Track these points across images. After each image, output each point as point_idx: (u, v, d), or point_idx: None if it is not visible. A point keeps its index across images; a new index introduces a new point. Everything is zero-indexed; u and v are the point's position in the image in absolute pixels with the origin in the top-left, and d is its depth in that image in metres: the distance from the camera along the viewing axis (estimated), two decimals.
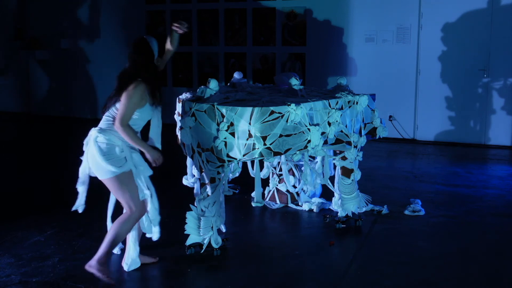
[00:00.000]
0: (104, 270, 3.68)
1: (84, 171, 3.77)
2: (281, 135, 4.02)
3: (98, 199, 4.30)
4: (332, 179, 5.15)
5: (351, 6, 8.94)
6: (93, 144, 3.64)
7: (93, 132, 3.69)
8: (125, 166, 3.66)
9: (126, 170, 3.67)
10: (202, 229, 4.19)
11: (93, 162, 3.66)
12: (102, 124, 3.73)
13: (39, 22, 11.20)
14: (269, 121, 3.97)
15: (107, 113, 3.75)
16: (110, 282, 3.69)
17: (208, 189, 4.18)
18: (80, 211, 3.89)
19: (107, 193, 3.97)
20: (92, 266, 3.69)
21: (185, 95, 4.63)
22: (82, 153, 3.75)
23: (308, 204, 5.36)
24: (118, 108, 3.67)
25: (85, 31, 10.82)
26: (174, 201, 5.07)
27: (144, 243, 4.15)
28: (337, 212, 4.98)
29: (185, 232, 4.22)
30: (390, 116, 8.83)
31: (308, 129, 4.14)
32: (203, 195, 4.20)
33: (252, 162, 5.52)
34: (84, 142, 3.73)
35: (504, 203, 5.61)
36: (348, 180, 4.86)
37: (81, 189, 3.83)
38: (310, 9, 9.22)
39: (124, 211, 3.78)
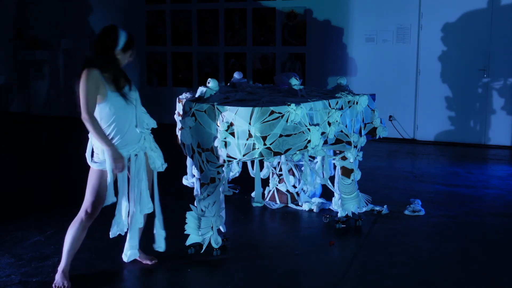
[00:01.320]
0: (63, 281, 3.67)
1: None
2: (281, 135, 4.02)
3: None
4: (332, 179, 5.15)
5: (351, 6, 8.94)
6: None
7: None
8: (101, 165, 3.62)
9: (101, 169, 3.62)
10: (202, 229, 4.20)
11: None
12: None
13: (39, 22, 11.19)
14: (269, 121, 3.97)
15: None
16: None
17: (208, 189, 4.18)
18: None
19: None
20: (56, 276, 3.70)
21: (185, 95, 4.62)
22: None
23: (308, 204, 5.36)
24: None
25: (85, 31, 10.81)
26: (174, 201, 5.06)
27: (144, 244, 4.15)
28: (337, 212, 4.98)
29: (185, 232, 4.23)
30: (390, 116, 8.82)
31: (308, 129, 4.14)
32: (203, 195, 4.20)
33: (252, 162, 5.52)
34: None
35: (504, 203, 5.61)
36: (348, 180, 4.86)
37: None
38: (310, 9, 9.22)
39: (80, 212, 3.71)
